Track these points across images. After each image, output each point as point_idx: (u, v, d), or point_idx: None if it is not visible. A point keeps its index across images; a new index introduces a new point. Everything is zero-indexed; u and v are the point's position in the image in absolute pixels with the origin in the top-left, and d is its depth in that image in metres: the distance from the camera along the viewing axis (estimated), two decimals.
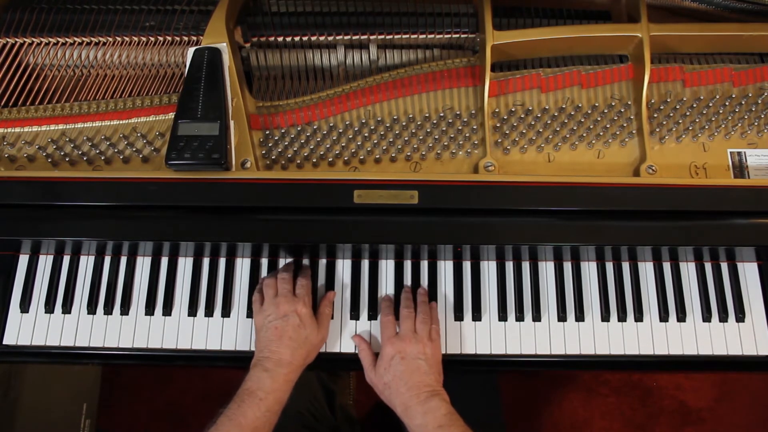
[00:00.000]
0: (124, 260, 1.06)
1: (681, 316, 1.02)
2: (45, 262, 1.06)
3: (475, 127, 1.05)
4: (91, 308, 1.03)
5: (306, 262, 1.05)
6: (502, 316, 1.03)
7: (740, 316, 1.02)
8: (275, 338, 0.92)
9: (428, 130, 1.04)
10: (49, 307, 1.03)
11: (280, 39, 1.08)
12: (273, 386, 0.89)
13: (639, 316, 1.03)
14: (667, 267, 1.06)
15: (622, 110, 1.05)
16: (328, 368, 1.01)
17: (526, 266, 1.05)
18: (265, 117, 1.05)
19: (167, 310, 1.03)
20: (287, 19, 1.08)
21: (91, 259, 1.06)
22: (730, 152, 1.05)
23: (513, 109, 1.06)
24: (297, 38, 1.08)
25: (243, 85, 1.05)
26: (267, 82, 1.11)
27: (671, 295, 1.04)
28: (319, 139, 1.04)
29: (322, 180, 0.97)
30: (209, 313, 1.03)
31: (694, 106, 1.06)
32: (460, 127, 1.04)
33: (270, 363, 0.90)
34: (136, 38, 1.07)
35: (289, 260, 1.05)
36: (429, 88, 1.07)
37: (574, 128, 1.05)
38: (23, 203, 0.97)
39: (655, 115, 1.06)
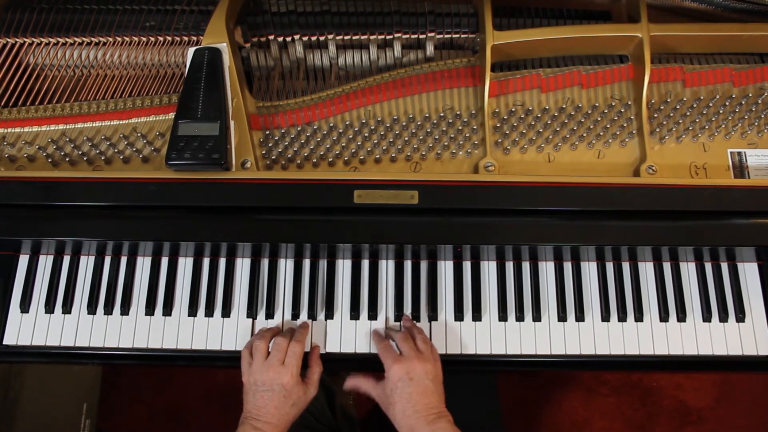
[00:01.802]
0: (124, 260, 1.06)
1: (681, 316, 1.02)
2: (45, 263, 1.06)
3: (475, 127, 1.05)
4: (91, 308, 1.03)
5: (306, 263, 1.05)
6: (502, 316, 1.02)
7: (740, 316, 1.02)
8: (262, 405, 0.92)
9: (428, 130, 1.04)
10: (49, 308, 1.03)
11: (281, 39, 1.08)
12: None
13: (639, 316, 1.03)
14: (667, 267, 1.06)
15: (622, 110, 1.05)
16: (328, 368, 1.01)
17: (526, 266, 1.05)
18: (265, 117, 1.05)
19: (167, 310, 1.03)
20: (287, 19, 1.08)
21: (92, 259, 1.06)
22: (731, 152, 1.05)
23: (513, 109, 1.06)
24: (297, 38, 1.08)
25: (243, 85, 1.05)
26: (267, 82, 1.11)
27: (671, 295, 1.04)
28: (319, 139, 1.04)
29: (322, 180, 0.97)
30: (209, 313, 1.03)
31: (694, 106, 1.06)
32: (460, 127, 1.04)
33: (259, 423, 0.90)
34: (136, 38, 1.07)
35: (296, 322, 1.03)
36: (429, 88, 1.07)
37: (574, 128, 1.05)
38: (23, 203, 0.97)
39: (655, 115, 1.06)
